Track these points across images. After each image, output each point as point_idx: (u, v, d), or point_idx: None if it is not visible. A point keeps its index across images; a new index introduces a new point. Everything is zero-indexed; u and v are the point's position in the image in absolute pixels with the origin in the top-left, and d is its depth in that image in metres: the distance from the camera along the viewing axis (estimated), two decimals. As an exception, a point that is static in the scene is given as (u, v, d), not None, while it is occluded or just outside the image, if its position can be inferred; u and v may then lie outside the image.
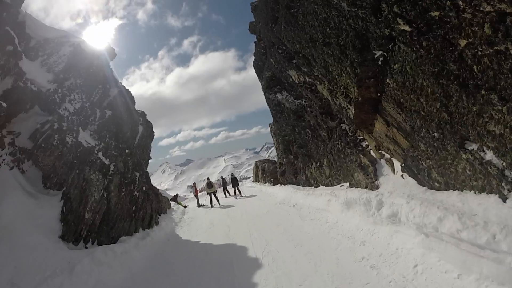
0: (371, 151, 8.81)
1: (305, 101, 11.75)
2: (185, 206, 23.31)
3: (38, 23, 11.77)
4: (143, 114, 17.58)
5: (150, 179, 17.96)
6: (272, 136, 20.62)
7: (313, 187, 13.13)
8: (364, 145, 8.98)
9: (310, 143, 12.56)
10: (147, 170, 17.76)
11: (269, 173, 21.82)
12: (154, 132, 18.36)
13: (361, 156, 8.59)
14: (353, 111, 8.52)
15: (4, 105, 7.50)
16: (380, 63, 6.66)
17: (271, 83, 14.14)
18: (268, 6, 13.32)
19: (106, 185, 10.15)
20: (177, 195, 24.75)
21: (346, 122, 9.73)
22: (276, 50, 12.99)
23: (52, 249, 6.68)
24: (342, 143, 9.76)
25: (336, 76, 8.63)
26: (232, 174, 22.02)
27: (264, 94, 15.77)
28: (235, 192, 20.49)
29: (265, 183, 22.06)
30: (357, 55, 7.18)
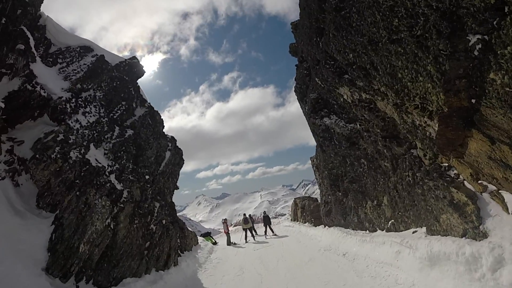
0: (465, 182, 6.11)
1: (360, 125, 9.44)
2: (215, 243, 21.07)
3: (61, 30, 11.33)
4: (172, 140, 16.39)
5: (176, 211, 16.25)
6: (314, 171, 18.14)
7: (367, 231, 10.26)
8: (452, 175, 6.32)
9: (365, 176, 9.97)
10: (172, 201, 16.15)
11: (309, 212, 18.95)
12: (184, 160, 16.97)
13: (453, 190, 5.92)
14: (436, 128, 6.10)
15: (2, 105, 6.40)
16: (476, 53, 4.50)
17: (317, 106, 12.11)
18: (312, 18, 11.77)
19: (114, 214, 8.51)
20: (209, 232, 22.69)
21: (420, 146, 7.19)
22: (323, 66, 11.11)
23: (30, 283, 5.32)
24: (415, 174, 7.15)
25: (409, 83, 6.39)
26: (264, 212, 20.74)
27: (309, 120, 13.68)
28: (265, 232, 18.95)
29: (305, 223, 19.13)
30: (445, 43, 4.98)
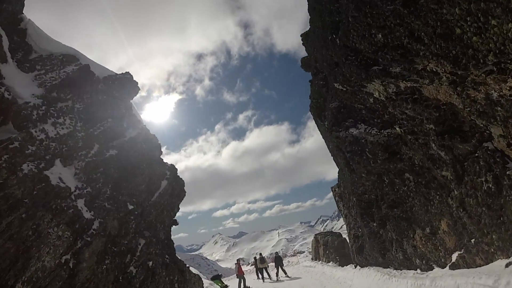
0: None
1: (400, 127, 7.19)
2: (225, 286, 17.98)
3: (43, 36, 10.15)
4: (172, 168, 14.43)
5: (174, 250, 13.78)
6: (337, 202, 15.46)
7: (419, 270, 7.47)
8: None
9: (411, 197, 7.50)
10: (171, 239, 13.76)
11: (333, 249, 15.93)
12: (185, 192, 14.81)
13: None
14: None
15: None
16: None
17: (340, 117, 10.01)
18: (325, 13, 10.13)
19: (76, 249, 6.40)
20: (220, 275, 19.66)
21: (502, 132, 4.82)
22: (344, 65, 9.21)
23: None
24: (500, 177, 4.69)
25: (474, 37, 4.44)
26: (276, 253, 19.49)
27: (330, 137, 11.44)
28: (277, 273, 16.71)
29: (329, 262, 16.00)
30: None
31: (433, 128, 5.84)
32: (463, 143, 5.44)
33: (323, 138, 14.21)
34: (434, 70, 5.63)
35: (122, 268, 7.54)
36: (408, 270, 7.75)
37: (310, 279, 13.81)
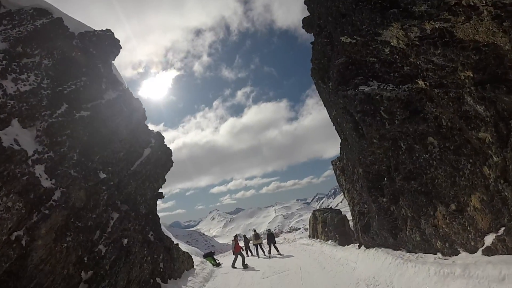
0: None
1: (425, 79, 5.77)
2: (217, 264, 17.27)
3: None
4: (158, 136, 13.05)
5: (160, 225, 12.74)
6: (338, 176, 14.27)
7: (441, 254, 6.36)
8: None
9: (433, 166, 6.22)
10: (156, 213, 12.66)
11: (333, 227, 14.98)
12: (172, 162, 13.55)
13: None
14: None
15: None
16: None
17: (347, 74, 8.53)
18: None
19: (31, 224, 5.17)
20: (213, 252, 18.87)
21: None
22: (355, 11, 7.64)
23: None
24: None
25: None
26: (268, 230, 19.61)
27: (335, 97, 9.94)
28: (269, 251, 16.41)
29: (327, 240, 15.11)
30: None
31: (471, 75, 4.45)
32: (510, 95, 4.09)
33: (325, 105, 12.78)
34: (472, 3, 4.17)
35: (88, 247, 6.38)
36: (425, 254, 6.63)
37: (307, 259, 12.92)
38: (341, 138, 12.05)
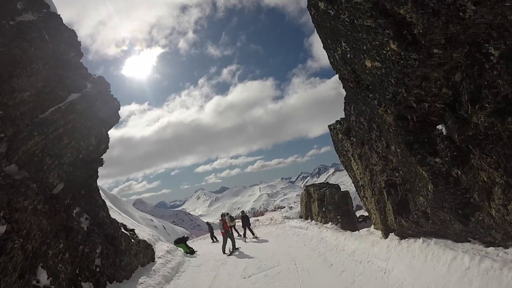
0: None
1: None
2: (191, 252, 14.08)
3: None
4: (100, 82, 9.26)
5: (102, 206, 9.19)
6: (341, 141, 11.03)
7: None
8: None
9: None
10: (97, 189, 9.12)
11: (333, 206, 11.83)
12: (118, 117, 9.83)
13: None
14: None
15: None
16: None
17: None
18: None
19: None
20: (186, 238, 15.55)
21: None
22: None
23: None
24: None
25: None
26: (242, 212, 17.95)
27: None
28: (244, 234, 15.16)
29: (326, 223, 12.01)
30: None
31: None
32: None
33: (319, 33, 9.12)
34: None
35: None
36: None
37: (303, 248, 9.80)
38: (346, 85, 8.56)
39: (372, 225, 10.18)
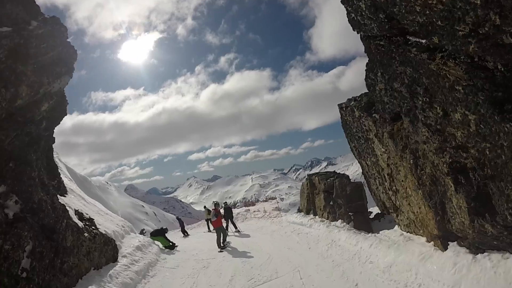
0: None
1: None
2: (170, 247, 11.82)
3: None
4: (52, 23, 6.77)
5: (48, 187, 6.74)
6: (359, 119, 8.88)
7: None
8: None
9: None
10: (29, 164, 6.67)
11: (345, 200, 9.56)
12: (73, 70, 7.32)
13: None
14: None
15: None
16: None
17: None
18: None
19: None
20: (165, 230, 13.13)
21: None
22: None
23: None
24: None
25: None
26: (225, 204, 15.93)
27: None
28: (227, 228, 13.43)
29: (334, 220, 9.76)
30: None
31: None
32: None
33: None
34: None
35: None
36: None
37: (308, 253, 7.51)
38: (373, 45, 6.30)
39: (396, 226, 7.95)
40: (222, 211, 12.99)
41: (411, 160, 5.92)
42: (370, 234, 7.42)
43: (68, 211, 7.60)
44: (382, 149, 7.69)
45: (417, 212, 5.97)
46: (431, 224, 5.42)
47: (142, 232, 13.15)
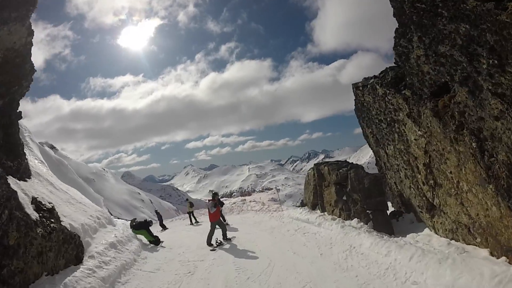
0: None
1: None
2: (155, 242, 10.27)
3: None
4: None
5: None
6: (383, 97, 7.24)
7: None
8: None
9: None
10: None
11: (362, 196, 7.93)
12: (31, 33, 5.50)
13: None
14: None
15: None
16: None
17: None
18: None
19: None
20: (148, 222, 11.44)
21: None
22: None
23: None
24: None
25: None
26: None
27: None
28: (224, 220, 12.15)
29: (348, 219, 8.17)
30: None
31: None
32: None
33: None
34: None
35: None
36: None
37: (322, 262, 5.90)
38: (408, 7, 4.60)
39: (428, 230, 6.39)
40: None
41: (473, 144, 4.26)
42: (401, 239, 5.81)
43: (16, 198, 5.91)
44: (419, 132, 6.06)
45: (479, 214, 4.36)
46: (508, 232, 3.82)
47: (132, 223, 11.54)
